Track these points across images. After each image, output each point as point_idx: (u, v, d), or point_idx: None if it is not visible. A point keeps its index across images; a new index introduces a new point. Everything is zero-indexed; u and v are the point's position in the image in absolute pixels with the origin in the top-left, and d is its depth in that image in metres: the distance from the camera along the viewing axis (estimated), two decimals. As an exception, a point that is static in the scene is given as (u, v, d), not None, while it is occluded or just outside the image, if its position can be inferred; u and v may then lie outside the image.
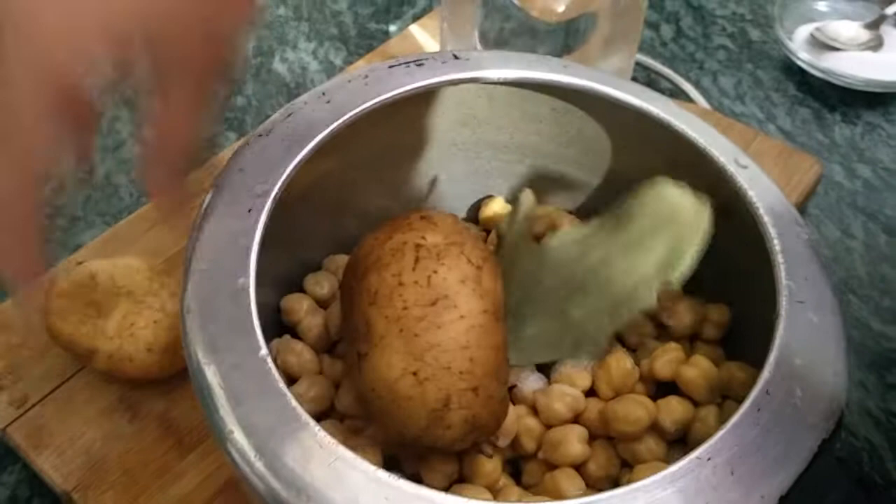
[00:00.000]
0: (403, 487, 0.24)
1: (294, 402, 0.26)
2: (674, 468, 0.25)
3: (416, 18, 0.65)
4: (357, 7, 0.68)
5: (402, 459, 0.34)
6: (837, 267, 0.49)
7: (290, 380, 0.36)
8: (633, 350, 0.37)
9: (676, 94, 0.60)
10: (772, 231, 0.32)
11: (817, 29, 0.62)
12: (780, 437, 0.26)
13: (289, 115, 0.34)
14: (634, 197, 0.37)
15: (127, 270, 0.40)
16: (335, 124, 0.33)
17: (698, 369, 0.34)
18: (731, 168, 0.35)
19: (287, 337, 0.37)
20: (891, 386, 0.43)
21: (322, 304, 0.39)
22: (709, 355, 0.36)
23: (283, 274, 0.39)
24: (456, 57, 0.38)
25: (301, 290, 0.39)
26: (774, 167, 0.50)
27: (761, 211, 0.33)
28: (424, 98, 0.37)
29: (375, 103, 0.35)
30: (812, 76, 0.61)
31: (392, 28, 0.66)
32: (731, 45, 0.65)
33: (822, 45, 0.62)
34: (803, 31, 0.63)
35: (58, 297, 0.39)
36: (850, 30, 0.62)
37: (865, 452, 0.40)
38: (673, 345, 0.35)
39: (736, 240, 0.35)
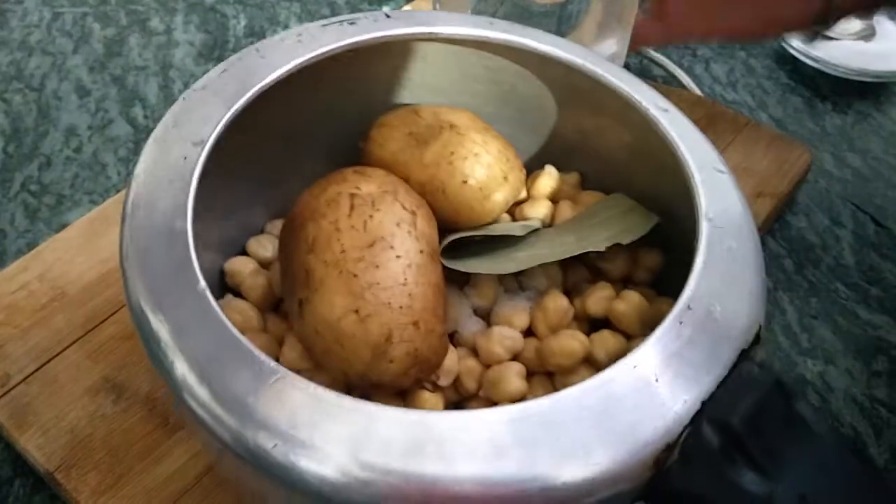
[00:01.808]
0: (342, 402, 0.25)
1: (235, 331, 0.26)
2: (601, 376, 0.26)
3: (408, 0, 0.66)
4: (350, -12, 0.68)
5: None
6: (826, 255, 0.50)
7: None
8: (567, 293, 0.38)
9: (669, 80, 0.61)
10: (692, 166, 0.34)
11: None
12: (701, 348, 0.28)
13: (223, 71, 0.34)
14: (596, 205, 0.40)
15: (451, 109, 0.39)
16: (268, 78, 0.34)
17: (629, 303, 0.35)
18: (654, 112, 0.36)
19: (230, 296, 0.37)
20: (876, 373, 0.44)
21: (265, 265, 0.39)
22: (640, 295, 0.37)
23: (226, 240, 0.40)
24: (388, 16, 0.39)
25: (245, 254, 0.40)
26: (765, 155, 0.51)
27: (682, 150, 0.35)
28: (357, 58, 0.38)
29: (307, 59, 0.35)
30: (804, 65, 0.62)
31: (385, 9, 0.66)
32: None
33: (814, 33, 0.62)
34: None
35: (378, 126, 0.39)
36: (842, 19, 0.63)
37: (850, 439, 0.41)
38: (604, 283, 0.37)
39: (663, 184, 0.37)
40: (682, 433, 0.26)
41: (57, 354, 0.41)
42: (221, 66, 0.35)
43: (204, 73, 0.59)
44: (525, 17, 0.51)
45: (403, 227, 0.32)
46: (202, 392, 0.25)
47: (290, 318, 0.36)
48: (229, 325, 0.26)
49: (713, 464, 0.26)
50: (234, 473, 0.30)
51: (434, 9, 0.54)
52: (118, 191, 0.51)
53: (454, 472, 0.24)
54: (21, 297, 0.44)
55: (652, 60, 0.62)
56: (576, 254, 0.36)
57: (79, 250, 0.46)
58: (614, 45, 0.54)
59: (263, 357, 0.26)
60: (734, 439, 0.26)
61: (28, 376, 0.40)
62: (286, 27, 0.64)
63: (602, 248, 0.35)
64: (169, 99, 0.58)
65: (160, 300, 0.27)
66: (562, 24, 0.51)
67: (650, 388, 0.26)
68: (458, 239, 0.37)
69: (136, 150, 0.55)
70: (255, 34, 0.63)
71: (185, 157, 0.31)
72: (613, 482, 0.25)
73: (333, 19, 0.38)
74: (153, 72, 0.60)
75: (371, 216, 0.32)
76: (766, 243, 0.50)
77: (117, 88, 0.59)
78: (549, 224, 0.41)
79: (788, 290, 0.47)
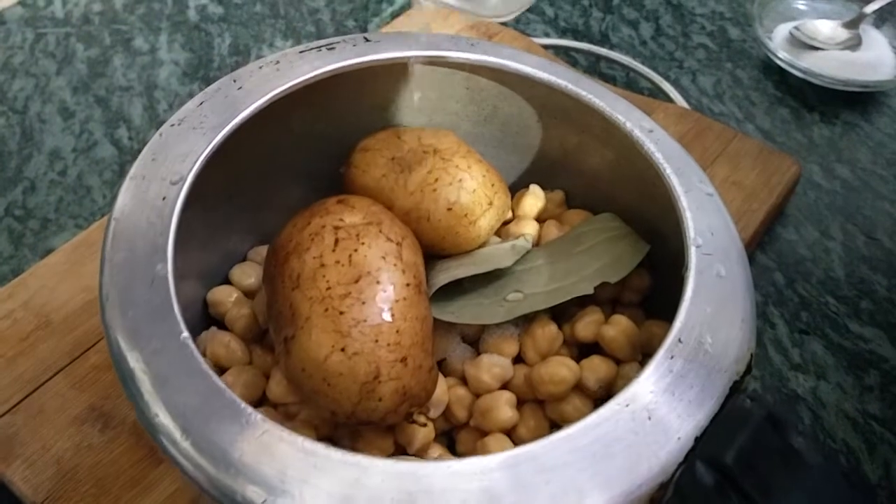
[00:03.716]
0: (331, 455, 0.24)
1: (218, 381, 0.26)
2: (594, 416, 0.26)
3: (394, 16, 0.65)
4: (335, 4, 0.67)
5: (337, 440, 0.34)
6: (816, 268, 0.49)
7: (220, 370, 0.35)
8: (556, 318, 0.38)
9: (655, 93, 0.60)
10: (678, 189, 0.33)
11: (796, 28, 0.63)
12: (693, 382, 0.28)
13: (201, 104, 0.34)
14: (584, 225, 0.39)
15: (434, 132, 0.39)
16: (247, 111, 0.33)
17: (618, 327, 0.35)
18: (638, 132, 0.36)
19: (214, 329, 0.37)
20: (868, 388, 0.43)
21: (249, 294, 0.39)
22: (629, 317, 0.37)
23: (208, 268, 0.39)
24: (367, 40, 0.38)
25: (228, 282, 0.39)
26: (753, 167, 0.50)
27: (668, 171, 0.34)
28: (337, 82, 0.37)
29: (287, 88, 0.35)
30: (791, 75, 0.61)
31: (370, 26, 0.65)
32: (711, 44, 0.65)
33: (801, 43, 0.62)
34: (782, 30, 0.63)
35: (360, 151, 0.38)
36: (828, 29, 0.63)
37: (843, 455, 0.41)
38: (593, 307, 0.36)
39: (649, 204, 0.37)
40: (675, 471, 0.26)
41: (42, 384, 0.41)
42: (198, 97, 0.34)
43: (189, 93, 0.59)
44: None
45: (389, 260, 0.32)
46: (186, 445, 0.25)
47: (276, 353, 0.35)
48: (214, 376, 0.26)
49: (708, 502, 0.25)
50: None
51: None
52: (103, 214, 0.50)
53: (445, 525, 0.23)
54: (5, 325, 0.43)
55: (638, 73, 0.62)
56: (563, 301, 0.35)
57: (63, 277, 0.45)
58: None
59: (250, 409, 0.25)
60: (728, 476, 0.26)
61: (13, 406, 0.40)
62: (271, 45, 0.63)
63: (590, 291, 0.35)
64: (154, 120, 0.57)
65: (142, 347, 0.27)
66: None
67: (643, 427, 0.26)
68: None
69: (122, 171, 0.54)
70: (240, 52, 0.63)
71: (164, 197, 0.30)
72: (607, 526, 0.25)
73: (311, 45, 0.38)
74: (138, 92, 0.59)
75: (356, 250, 0.32)
76: (756, 257, 0.49)
77: (101, 110, 0.58)
78: (535, 243, 0.40)
79: (779, 304, 0.47)
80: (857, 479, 0.38)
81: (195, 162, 0.31)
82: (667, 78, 0.61)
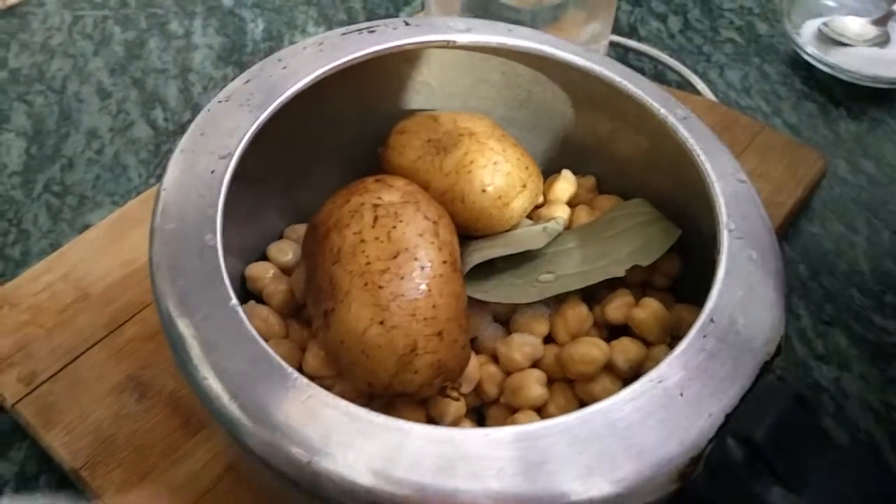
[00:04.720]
0: (375, 420, 0.25)
1: (266, 346, 0.27)
2: (627, 391, 0.27)
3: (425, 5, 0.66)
4: (367, -8, 0.68)
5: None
6: (840, 262, 0.49)
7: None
8: (587, 300, 0.39)
9: (683, 85, 0.60)
10: (712, 175, 0.34)
11: (825, 24, 0.63)
12: (725, 361, 0.28)
13: (247, 82, 0.35)
14: (615, 210, 0.40)
15: (469, 116, 0.39)
16: (292, 89, 0.34)
17: (649, 310, 0.35)
18: (672, 119, 0.36)
19: (252, 302, 0.38)
20: (891, 380, 0.44)
21: (286, 271, 0.40)
22: (659, 301, 0.37)
23: (246, 245, 0.40)
24: (406, 24, 0.39)
25: (265, 259, 0.40)
26: (780, 161, 0.51)
27: (702, 158, 0.35)
28: (377, 65, 0.38)
29: (330, 69, 0.36)
30: (819, 71, 0.61)
31: (401, 15, 0.66)
32: (739, 39, 0.65)
33: (829, 40, 0.62)
34: (811, 26, 0.63)
35: (397, 133, 0.39)
36: (857, 25, 0.63)
37: (865, 445, 0.41)
38: (624, 290, 0.37)
39: (681, 190, 0.37)
40: (706, 446, 0.26)
41: (81, 354, 0.42)
42: (245, 75, 0.35)
43: (223, 77, 0.60)
44: (492, 9, 0.50)
45: (426, 238, 0.33)
46: (234, 407, 0.26)
47: (314, 327, 0.36)
48: (261, 341, 0.27)
49: (738, 478, 0.26)
50: (260, 480, 0.30)
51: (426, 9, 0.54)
52: (139, 192, 0.51)
53: (484, 489, 0.24)
54: (45, 297, 0.44)
55: (666, 65, 0.62)
56: (596, 282, 0.36)
57: (101, 251, 0.46)
58: (599, 25, 0.54)
59: (296, 374, 0.26)
60: (758, 453, 0.26)
61: (53, 375, 0.41)
62: (304, 31, 0.64)
63: (622, 274, 0.36)
64: (189, 102, 0.58)
65: (192, 314, 0.28)
66: (536, 19, 0.51)
67: (675, 403, 0.27)
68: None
69: (157, 152, 0.55)
70: (273, 38, 0.64)
71: (213, 171, 0.31)
72: (639, 496, 0.25)
73: (352, 27, 0.38)
74: (172, 75, 0.60)
75: (394, 227, 0.33)
76: (781, 249, 0.50)
77: (138, 91, 0.59)
78: (567, 227, 0.41)
79: (803, 296, 0.48)
80: (884, 462, 0.39)
81: (242, 138, 0.32)
82: (695, 71, 0.62)
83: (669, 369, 0.27)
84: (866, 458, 0.27)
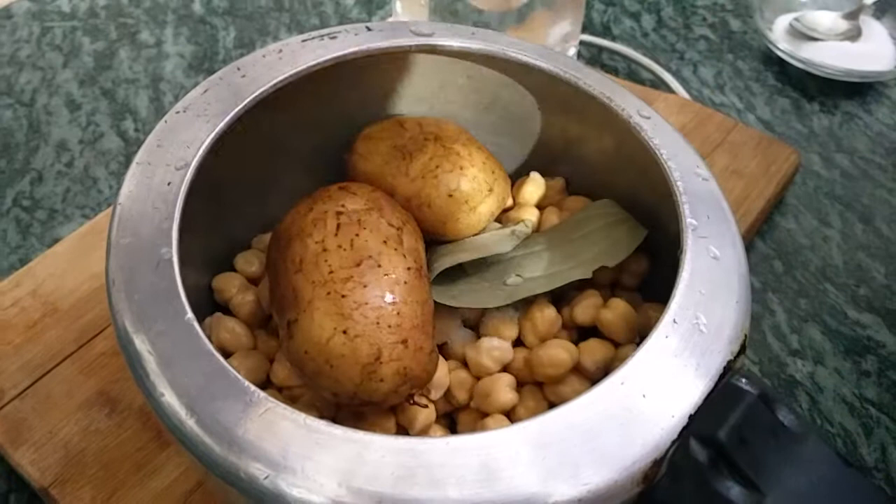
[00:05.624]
0: (333, 432, 0.25)
1: (222, 361, 0.26)
2: (589, 394, 0.26)
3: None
4: (340, -3, 0.68)
5: (339, 422, 0.34)
6: (814, 256, 0.49)
7: (226, 355, 0.36)
8: (555, 301, 0.38)
9: (657, 84, 0.61)
10: (675, 175, 0.34)
11: (796, 19, 0.63)
12: (688, 361, 0.28)
13: (205, 91, 0.34)
14: (583, 212, 0.40)
15: (435, 120, 0.39)
16: (250, 97, 0.34)
17: (616, 311, 0.35)
18: (636, 119, 0.36)
19: (219, 314, 0.38)
20: (865, 373, 0.44)
21: (253, 281, 0.40)
22: (627, 301, 0.37)
23: (212, 256, 0.40)
24: (368, 29, 0.39)
25: (232, 270, 0.40)
26: (753, 157, 0.51)
27: (664, 157, 0.35)
28: (340, 71, 0.38)
29: (289, 76, 0.35)
30: (791, 66, 0.62)
31: (374, 19, 0.66)
32: (712, 36, 0.66)
33: (801, 35, 0.62)
34: (783, 21, 0.63)
35: (363, 139, 0.39)
36: (828, 20, 0.63)
37: (840, 438, 0.41)
38: (592, 291, 0.37)
39: (647, 190, 0.37)
40: (669, 448, 0.26)
41: (50, 370, 0.42)
42: (203, 85, 0.35)
43: (194, 85, 0.59)
44: (460, 12, 0.50)
45: (390, 245, 0.33)
46: (191, 423, 0.25)
47: (279, 337, 0.36)
48: (218, 355, 0.26)
49: (701, 478, 0.26)
50: (225, 496, 0.30)
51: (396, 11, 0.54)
52: (109, 205, 0.51)
53: (443, 498, 0.24)
54: (13, 313, 0.44)
55: (640, 64, 0.62)
56: (562, 285, 0.36)
57: (71, 265, 0.46)
58: (568, 25, 0.53)
59: (253, 388, 0.26)
60: (721, 452, 0.26)
61: (22, 392, 0.41)
62: (276, 38, 0.64)
63: (589, 276, 0.36)
64: (160, 111, 0.58)
65: (148, 329, 0.27)
66: (503, 22, 0.51)
67: (638, 405, 0.26)
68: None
69: (128, 163, 0.54)
70: (245, 45, 0.63)
71: (169, 183, 0.31)
72: (603, 500, 0.25)
73: (314, 34, 0.38)
74: (143, 85, 0.60)
75: (357, 234, 0.32)
76: (755, 245, 0.50)
77: (108, 102, 0.58)
78: (536, 229, 0.41)
79: (777, 290, 0.48)
80: (848, 457, 0.39)
81: (199, 148, 0.32)
82: (668, 69, 0.62)
83: (632, 371, 0.27)
84: (829, 451, 0.27)
